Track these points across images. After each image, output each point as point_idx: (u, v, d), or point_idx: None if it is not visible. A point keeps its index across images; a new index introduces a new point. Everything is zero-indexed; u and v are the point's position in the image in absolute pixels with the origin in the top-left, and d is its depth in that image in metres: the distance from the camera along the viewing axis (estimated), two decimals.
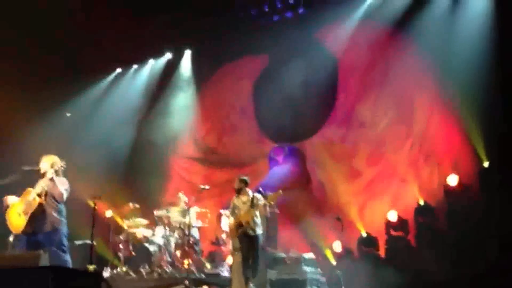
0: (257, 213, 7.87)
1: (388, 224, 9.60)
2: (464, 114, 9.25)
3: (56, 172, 6.55)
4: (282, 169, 11.47)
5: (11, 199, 6.54)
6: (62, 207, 6.56)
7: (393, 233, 9.54)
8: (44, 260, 5.85)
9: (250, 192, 8.03)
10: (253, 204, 7.84)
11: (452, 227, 8.89)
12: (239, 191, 8.08)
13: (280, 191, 8.02)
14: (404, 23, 10.19)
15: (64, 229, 6.54)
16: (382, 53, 10.50)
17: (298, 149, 11.55)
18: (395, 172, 10.16)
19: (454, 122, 9.52)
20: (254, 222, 7.82)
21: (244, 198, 8.00)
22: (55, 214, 6.44)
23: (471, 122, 9.16)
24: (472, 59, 9.09)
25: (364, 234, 9.99)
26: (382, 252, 9.59)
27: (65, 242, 6.56)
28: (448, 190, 9.26)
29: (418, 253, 9.07)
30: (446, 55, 9.58)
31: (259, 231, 7.87)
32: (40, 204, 6.36)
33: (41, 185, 6.44)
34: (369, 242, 9.78)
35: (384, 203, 10.07)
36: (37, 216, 6.37)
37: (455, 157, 9.50)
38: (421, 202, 9.53)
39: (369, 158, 10.54)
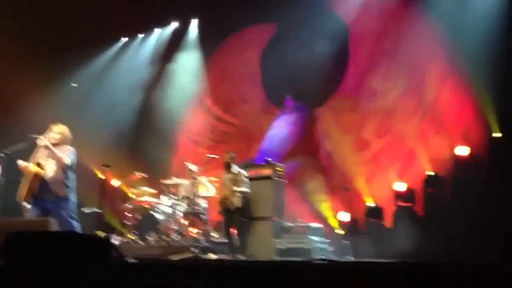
0: (240, 188, 8.36)
1: (396, 195, 9.58)
2: (476, 84, 9.10)
3: (65, 141, 6.53)
4: (281, 131, 11.41)
5: (21, 164, 6.49)
6: (71, 175, 6.52)
7: (401, 203, 9.52)
8: (54, 226, 5.91)
9: (234, 168, 8.53)
10: (235, 180, 8.39)
11: (460, 197, 8.82)
12: (226, 167, 8.58)
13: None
14: None
15: (73, 197, 6.52)
16: (393, 22, 10.29)
17: (310, 110, 11.39)
18: (404, 143, 10.08)
19: (465, 93, 9.38)
20: (234, 197, 8.32)
21: (229, 174, 8.52)
22: (62, 182, 6.39)
23: (483, 92, 9.02)
24: (485, 28, 8.93)
25: (371, 205, 9.98)
26: (388, 223, 9.59)
27: (75, 209, 6.56)
28: (457, 161, 9.20)
29: (425, 223, 9.05)
30: (458, 25, 9.38)
31: (239, 204, 8.33)
32: (36, 173, 6.31)
33: (37, 154, 6.40)
34: (375, 212, 9.78)
35: (392, 174, 10.03)
36: (42, 184, 6.34)
37: (465, 128, 9.39)
38: (430, 173, 9.47)
39: (378, 129, 10.45)
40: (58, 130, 6.53)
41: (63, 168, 6.37)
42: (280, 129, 11.47)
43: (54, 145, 6.39)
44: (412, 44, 10.07)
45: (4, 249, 4.62)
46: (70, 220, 6.38)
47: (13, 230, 5.00)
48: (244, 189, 8.45)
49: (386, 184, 9.93)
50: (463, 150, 9.19)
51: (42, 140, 6.34)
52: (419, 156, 9.79)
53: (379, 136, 10.42)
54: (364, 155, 10.47)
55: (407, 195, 9.51)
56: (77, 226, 6.46)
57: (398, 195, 9.59)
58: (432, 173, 9.47)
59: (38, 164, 6.33)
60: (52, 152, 6.32)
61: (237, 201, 8.36)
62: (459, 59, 9.36)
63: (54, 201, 6.34)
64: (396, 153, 10.13)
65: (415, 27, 10.02)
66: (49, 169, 6.34)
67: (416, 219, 9.12)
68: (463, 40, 9.21)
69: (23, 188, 6.30)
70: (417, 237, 8.35)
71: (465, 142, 9.28)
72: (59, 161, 6.32)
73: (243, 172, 8.61)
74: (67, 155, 6.39)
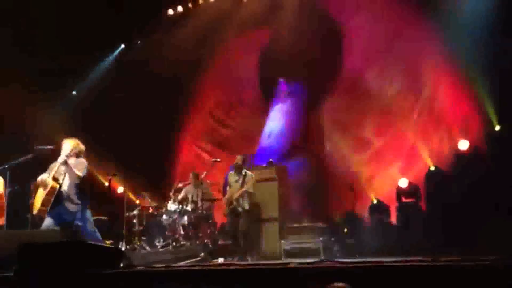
0: (248, 189, 8.37)
1: (399, 191, 9.64)
2: (473, 78, 9.15)
3: (77, 154, 6.63)
4: (277, 125, 11.40)
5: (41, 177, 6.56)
6: (83, 187, 6.63)
7: (404, 199, 9.58)
8: (64, 236, 6.01)
9: (243, 171, 8.52)
10: (243, 182, 8.36)
11: (463, 191, 8.86)
12: (236, 168, 8.57)
13: None
14: None
15: (87, 208, 6.62)
16: (387, 19, 10.35)
17: (306, 92, 11.31)
18: (405, 140, 10.15)
19: (462, 87, 9.44)
20: (243, 199, 8.33)
21: (236, 176, 8.51)
22: (76, 195, 6.53)
23: (481, 86, 9.07)
24: (481, 21, 8.95)
25: (375, 202, 10.05)
26: (393, 219, 9.65)
27: (91, 219, 6.70)
28: (458, 155, 9.27)
29: (429, 218, 9.10)
30: (454, 19, 9.41)
31: (247, 206, 8.33)
32: (52, 188, 6.41)
33: (55, 169, 6.51)
34: (380, 209, 9.84)
35: (394, 171, 10.10)
36: (58, 197, 6.43)
37: (464, 122, 9.47)
38: (432, 168, 9.55)
39: (377, 127, 10.51)
40: (72, 144, 6.63)
41: (78, 182, 6.51)
42: (276, 122, 11.45)
43: (68, 158, 6.50)
44: (406, 40, 10.11)
45: (17, 259, 4.71)
46: (89, 229, 6.54)
47: (25, 241, 5.10)
48: (252, 189, 8.49)
49: (390, 181, 9.99)
50: (463, 144, 9.26)
51: (61, 156, 6.49)
52: (420, 152, 9.86)
53: (379, 134, 10.48)
54: (366, 153, 10.52)
55: (410, 191, 9.57)
56: (96, 234, 6.58)
57: (401, 191, 9.64)
58: (434, 168, 9.55)
59: (55, 179, 6.46)
60: (68, 168, 6.46)
61: (245, 204, 8.39)
62: (455, 53, 9.38)
63: (70, 212, 6.46)
64: (397, 150, 10.19)
65: (409, 23, 10.05)
66: (65, 184, 6.49)
67: (419, 214, 9.18)
68: (459, 34, 9.22)
69: (38, 201, 6.41)
70: (421, 232, 8.42)
71: (465, 136, 9.34)
72: (73, 176, 6.47)
73: (251, 174, 8.61)
74: (81, 169, 6.52)
